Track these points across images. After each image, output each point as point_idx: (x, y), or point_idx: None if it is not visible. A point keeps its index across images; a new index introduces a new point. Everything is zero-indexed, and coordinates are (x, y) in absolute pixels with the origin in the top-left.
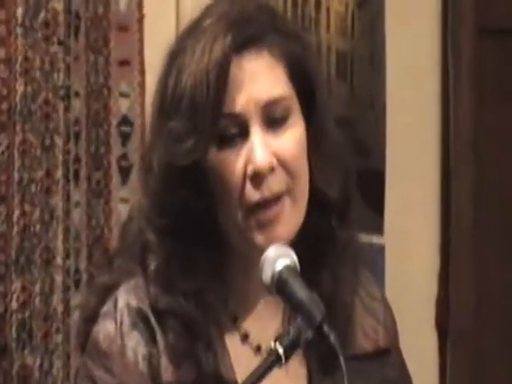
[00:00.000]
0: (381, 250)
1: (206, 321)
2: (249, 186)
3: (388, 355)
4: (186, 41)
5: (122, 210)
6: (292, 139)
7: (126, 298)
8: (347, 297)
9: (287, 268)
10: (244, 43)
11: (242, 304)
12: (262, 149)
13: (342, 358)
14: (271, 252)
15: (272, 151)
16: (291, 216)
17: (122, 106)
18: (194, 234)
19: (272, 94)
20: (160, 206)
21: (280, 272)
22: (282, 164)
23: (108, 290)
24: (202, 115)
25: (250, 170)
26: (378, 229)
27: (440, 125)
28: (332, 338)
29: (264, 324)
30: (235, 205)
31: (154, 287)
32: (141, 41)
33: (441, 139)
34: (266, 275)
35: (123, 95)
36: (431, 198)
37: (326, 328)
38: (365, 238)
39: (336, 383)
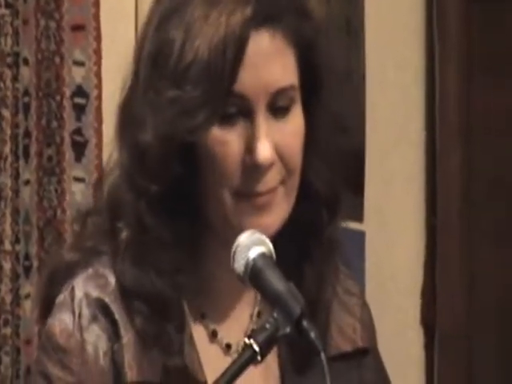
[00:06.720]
0: (360, 236)
1: (180, 305)
2: (244, 175)
3: (366, 356)
4: None
5: (75, 190)
6: (293, 132)
7: (85, 287)
8: (328, 296)
9: (262, 256)
10: (263, 19)
11: (211, 299)
12: (265, 142)
13: (323, 355)
14: (244, 239)
15: (273, 144)
16: (282, 206)
17: (76, 75)
18: (175, 206)
19: (283, 83)
20: (144, 170)
21: (254, 260)
22: (281, 158)
23: (71, 269)
24: (216, 89)
25: (249, 160)
26: (358, 213)
27: (425, 98)
28: (312, 333)
29: (233, 321)
30: (226, 187)
31: (123, 261)
32: (97, 3)
33: (426, 116)
34: (239, 263)
35: (77, 63)
36: (416, 180)
37: (305, 322)
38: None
39: None
